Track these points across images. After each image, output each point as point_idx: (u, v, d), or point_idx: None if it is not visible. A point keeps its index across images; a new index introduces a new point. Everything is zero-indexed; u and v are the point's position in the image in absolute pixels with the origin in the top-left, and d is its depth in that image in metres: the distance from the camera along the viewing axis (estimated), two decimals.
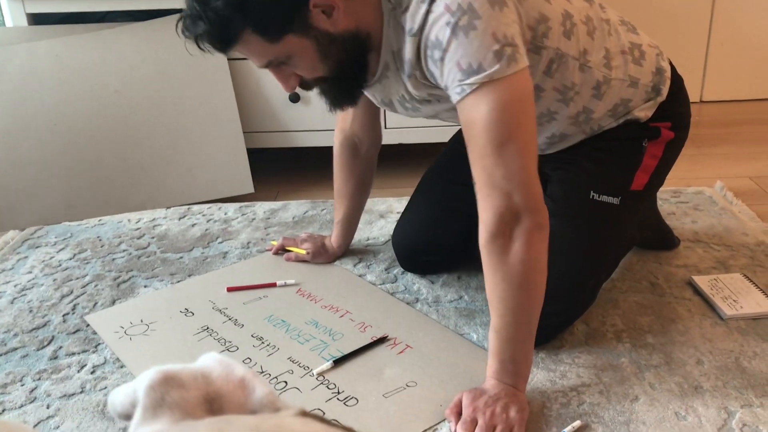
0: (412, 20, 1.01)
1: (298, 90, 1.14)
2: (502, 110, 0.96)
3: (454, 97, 0.99)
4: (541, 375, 1.15)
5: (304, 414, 0.37)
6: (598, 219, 1.23)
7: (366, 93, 1.23)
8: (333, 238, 1.57)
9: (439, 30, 0.96)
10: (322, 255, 1.56)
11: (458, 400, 1.05)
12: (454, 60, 0.96)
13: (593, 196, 1.23)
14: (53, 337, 1.32)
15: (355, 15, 1.03)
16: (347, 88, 1.12)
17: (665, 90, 1.26)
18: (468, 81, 0.96)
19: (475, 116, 0.97)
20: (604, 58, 1.17)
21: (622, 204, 1.23)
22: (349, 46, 1.04)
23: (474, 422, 1.01)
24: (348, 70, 1.07)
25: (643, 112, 1.24)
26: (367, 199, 1.55)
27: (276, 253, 1.61)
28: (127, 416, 0.39)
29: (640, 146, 1.25)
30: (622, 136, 1.25)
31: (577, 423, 1.03)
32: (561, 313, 1.21)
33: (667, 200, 1.81)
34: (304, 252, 1.56)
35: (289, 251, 1.59)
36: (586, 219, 1.23)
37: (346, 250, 1.60)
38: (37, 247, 1.72)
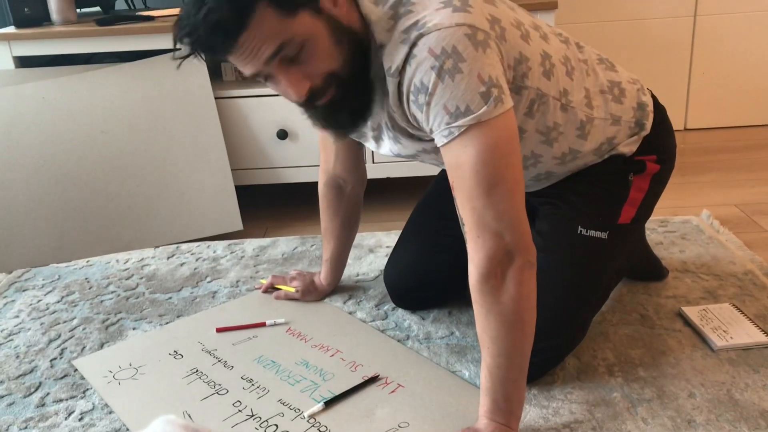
0: (390, 59, 1.01)
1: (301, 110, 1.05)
2: (491, 152, 0.96)
3: (440, 141, 0.99)
4: (534, 412, 1.14)
5: None
6: (587, 254, 1.24)
7: None
8: (322, 276, 1.57)
9: (423, 74, 0.97)
10: (312, 293, 1.56)
11: None
12: (441, 103, 0.97)
13: (581, 231, 1.23)
14: (40, 383, 1.31)
15: (355, 19, 1.01)
16: (359, 97, 1.04)
17: (649, 124, 1.27)
18: (456, 123, 0.96)
19: (464, 159, 0.97)
20: (585, 98, 1.18)
21: (610, 238, 1.24)
22: (354, 43, 1.01)
23: None
24: (358, 71, 1.02)
25: (628, 147, 1.26)
26: (356, 236, 1.55)
27: (265, 291, 1.60)
28: None
29: (626, 180, 1.26)
30: (607, 170, 1.26)
31: None
32: (552, 349, 1.21)
33: (655, 230, 1.83)
34: (293, 290, 1.55)
35: (279, 289, 1.58)
36: (574, 254, 1.23)
37: (336, 287, 1.59)
38: (24, 290, 1.70)
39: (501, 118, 0.97)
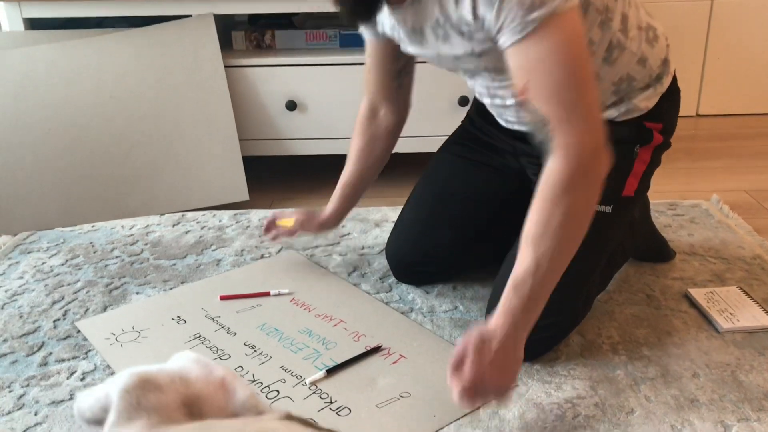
0: None
1: None
2: (570, 44, 0.97)
3: (513, 37, 0.98)
4: (536, 386, 1.14)
5: (289, 417, 0.36)
6: (591, 229, 1.22)
7: (396, 17, 1.19)
8: (329, 204, 1.50)
9: None
10: (311, 222, 1.49)
11: (461, 351, 0.99)
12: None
13: None
14: (43, 343, 1.31)
15: None
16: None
17: (667, 82, 1.26)
18: (532, 17, 0.95)
19: (542, 53, 0.97)
20: (621, 24, 1.17)
21: (614, 212, 1.23)
22: None
23: (474, 389, 0.98)
24: None
25: (644, 102, 1.24)
26: (373, 176, 1.49)
27: (267, 231, 1.54)
28: (97, 422, 0.38)
29: (632, 152, 1.25)
30: (616, 138, 1.23)
31: None
32: (556, 325, 1.20)
33: (663, 213, 1.81)
34: (291, 222, 1.49)
35: (279, 225, 1.51)
36: None
37: (339, 222, 1.52)
38: (29, 253, 1.70)
39: (572, 12, 0.97)
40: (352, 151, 1.47)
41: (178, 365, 0.40)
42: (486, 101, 1.31)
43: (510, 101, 1.23)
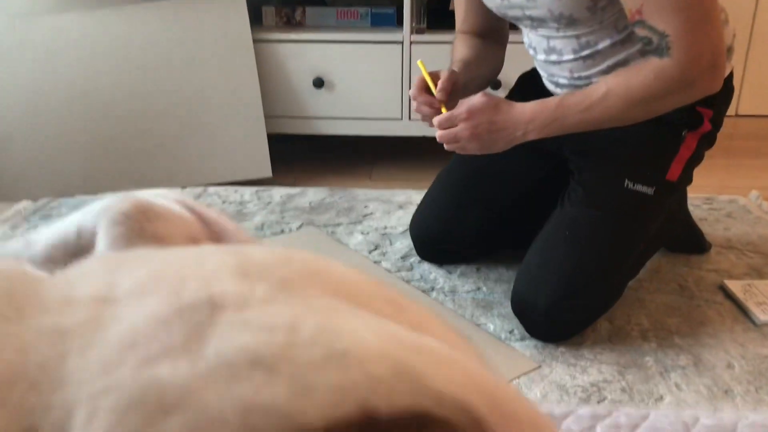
0: None
1: None
2: None
3: None
4: (560, 368, 1.08)
5: None
6: (630, 210, 1.17)
7: None
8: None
9: None
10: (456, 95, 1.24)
11: (473, 100, 1.11)
12: None
13: (628, 185, 1.17)
14: None
15: None
16: None
17: (727, 69, 1.19)
18: None
19: None
20: None
21: (656, 194, 1.17)
22: None
23: (453, 125, 1.12)
24: None
25: None
26: (485, 70, 1.34)
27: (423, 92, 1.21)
28: (50, 261, 0.31)
29: (679, 135, 1.19)
30: (666, 119, 1.17)
31: None
32: (585, 308, 1.15)
33: (699, 206, 1.74)
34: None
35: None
36: (617, 210, 1.17)
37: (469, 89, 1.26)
38: (48, 218, 1.69)
39: None
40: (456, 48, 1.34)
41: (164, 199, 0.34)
42: (540, 57, 1.25)
43: (567, 56, 1.19)
